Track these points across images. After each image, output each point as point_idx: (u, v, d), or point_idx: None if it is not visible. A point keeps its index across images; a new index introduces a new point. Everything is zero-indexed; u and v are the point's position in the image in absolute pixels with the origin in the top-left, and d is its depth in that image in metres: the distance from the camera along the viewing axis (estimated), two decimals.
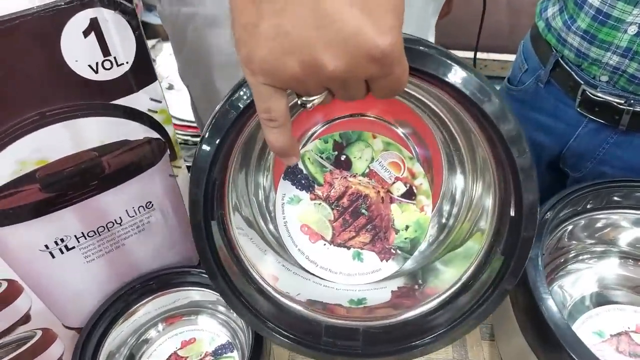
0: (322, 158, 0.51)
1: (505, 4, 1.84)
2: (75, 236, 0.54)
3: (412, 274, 0.55)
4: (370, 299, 0.53)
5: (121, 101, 0.46)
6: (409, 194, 0.51)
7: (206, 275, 0.63)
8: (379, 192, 0.52)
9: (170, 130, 0.52)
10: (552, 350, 0.50)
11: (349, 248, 0.53)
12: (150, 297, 0.65)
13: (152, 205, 0.58)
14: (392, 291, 0.53)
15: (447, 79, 0.37)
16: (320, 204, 0.52)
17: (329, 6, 0.27)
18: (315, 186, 0.51)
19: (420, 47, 0.36)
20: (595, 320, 0.64)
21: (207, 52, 0.69)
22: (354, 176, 0.51)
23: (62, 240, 0.53)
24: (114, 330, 0.62)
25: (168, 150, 0.54)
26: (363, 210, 0.52)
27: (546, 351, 0.51)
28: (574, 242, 0.68)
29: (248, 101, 0.39)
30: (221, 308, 0.67)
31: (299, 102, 0.33)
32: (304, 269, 0.54)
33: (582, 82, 0.71)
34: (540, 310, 0.50)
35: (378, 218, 0.52)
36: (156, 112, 0.50)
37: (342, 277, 0.54)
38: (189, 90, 0.85)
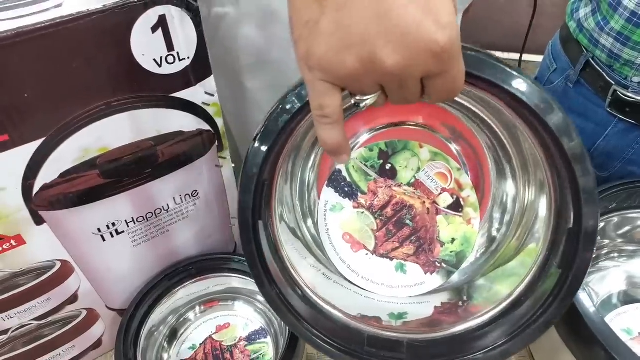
0: (366, 166, 0.50)
1: (526, 5, 1.84)
2: (125, 221, 0.56)
3: (457, 290, 0.53)
4: (411, 313, 0.51)
5: (179, 94, 0.48)
6: (456, 206, 0.50)
7: (245, 263, 0.65)
8: (424, 202, 0.50)
9: (219, 122, 0.54)
10: (587, 345, 0.51)
11: (391, 259, 0.52)
12: (190, 282, 0.67)
13: (198, 194, 0.60)
14: (435, 307, 0.52)
15: (508, 88, 0.36)
16: (363, 212, 0.51)
17: (390, 2, 0.28)
18: (359, 194, 0.51)
19: (470, 52, 0.35)
20: (623, 318, 0.66)
21: (237, 51, 0.70)
22: (399, 185, 0.50)
23: (113, 224, 0.55)
24: (156, 310, 0.64)
25: (216, 142, 0.56)
26: (407, 221, 0.51)
27: (580, 345, 0.53)
28: (605, 240, 0.69)
29: (298, 106, 0.39)
30: (258, 296, 0.69)
31: (352, 101, 0.34)
32: (345, 278, 0.53)
33: (613, 83, 0.72)
34: (575, 305, 0.51)
35: (423, 229, 0.51)
36: (209, 105, 0.52)
37: (384, 289, 0.52)
38: None
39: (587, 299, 0.52)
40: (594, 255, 0.69)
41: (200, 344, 0.68)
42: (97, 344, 0.68)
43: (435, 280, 0.52)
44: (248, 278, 0.67)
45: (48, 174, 0.46)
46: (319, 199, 0.52)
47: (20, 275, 0.53)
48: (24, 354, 0.61)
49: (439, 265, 0.51)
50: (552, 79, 0.85)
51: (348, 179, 0.50)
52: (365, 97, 0.33)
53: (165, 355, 0.66)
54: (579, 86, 0.79)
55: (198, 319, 0.70)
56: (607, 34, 0.70)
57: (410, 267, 0.52)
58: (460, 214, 0.50)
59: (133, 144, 0.49)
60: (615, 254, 0.70)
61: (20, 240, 0.50)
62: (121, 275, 0.62)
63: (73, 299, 0.60)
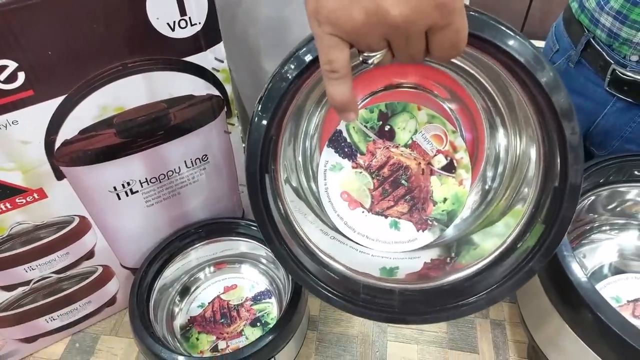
0: (366, 127, 0.52)
1: None
2: (139, 181, 0.60)
3: (446, 246, 0.56)
4: (402, 267, 0.54)
5: (191, 58, 0.52)
6: (449, 167, 0.53)
7: (253, 227, 0.69)
8: (419, 163, 0.53)
9: (228, 88, 0.58)
10: (576, 309, 0.53)
11: (386, 217, 0.55)
12: (200, 244, 0.71)
13: (207, 158, 0.63)
14: (424, 262, 0.55)
15: (503, 46, 0.38)
16: (361, 172, 0.54)
17: None
18: (358, 155, 0.53)
19: (472, 12, 0.37)
20: (613, 287, 0.68)
21: (256, 34, 0.73)
22: (397, 147, 0.53)
23: (128, 183, 0.59)
24: (167, 269, 0.69)
25: (225, 108, 0.59)
26: (403, 181, 0.54)
27: (570, 310, 0.54)
28: (595, 213, 0.71)
29: (299, 69, 0.41)
30: (263, 259, 0.73)
31: (360, 58, 0.35)
32: (342, 233, 0.55)
33: (613, 62, 0.74)
34: (566, 273, 0.53)
35: (417, 189, 0.54)
36: (218, 70, 0.55)
37: (379, 244, 0.55)
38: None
39: (578, 269, 0.54)
40: (587, 228, 0.72)
41: (209, 303, 0.72)
42: (112, 301, 0.72)
43: (427, 236, 0.55)
44: (254, 242, 0.71)
45: (69, 130, 0.50)
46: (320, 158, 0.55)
47: (42, 228, 0.57)
48: (44, 305, 0.65)
49: (430, 223, 0.54)
50: (554, 59, 0.87)
51: (348, 140, 0.53)
52: (372, 54, 0.35)
53: (176, 309, 0.70)
54: (579, 66, 0.81)
55: (207, 280, 0.74)
56: (606, 13, 0.72)
57: (404, 225, 0.55)
58: (453, 175, 0.53)
59: (147, 106, 0.53)
60: (607, 227, 0.72)
61: (42, 194, 0.54)
62: (135, 234, 0.66)
63: (90, 255, 0.64)
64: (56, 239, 0.59)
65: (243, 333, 0.69)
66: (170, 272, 0.70)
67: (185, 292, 0.72)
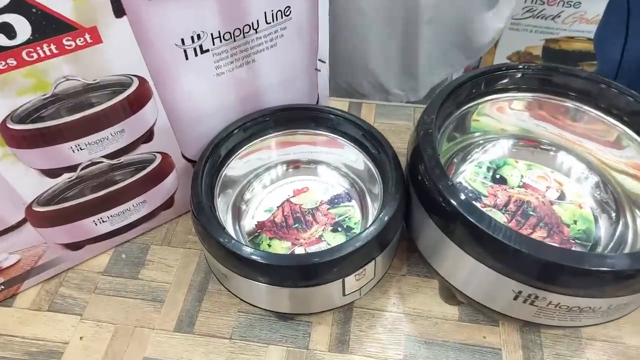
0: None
1: None
2: (211, 35, 0.48)
3: None
4: None
5: None
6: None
7: (332, 116, 0.58)
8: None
9: None
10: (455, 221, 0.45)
11: None
12: (270, 135, 0.60)
13: (290, 12, 0.51)
14: None
15: None
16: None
17: None
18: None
19: None
20: None
21: None
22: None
23: (199, 36, 0.47)
24: (232, 161, 0.57)
25: None
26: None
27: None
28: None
29: None
30: (341, 157, 0.62)
31: None
32: None
33: None
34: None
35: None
36: None
37: None
38: None
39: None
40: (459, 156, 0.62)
41: (278, 207, 0.60)
42: (169, 203, 0.62)
43: None
44: (332, 134, 0.60)
45: None
46: None
47: (93, 89, 0.46)
48: (93, 201, 0.54)
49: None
50: None
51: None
52: None
53: (242, 211, 0.60)
54: None
55: (277, 180, 0.63)
56: None
57: None
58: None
59: None
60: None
61: (96, 37, 0.42)
62: (200, 112, 0.55)
63: (149, 135, 0.53)
64: (110, 107, 0.48)
65: (323, 239, 0.57)
66: (235, 165, 0.58)
67: (248, 195, 0.61)
